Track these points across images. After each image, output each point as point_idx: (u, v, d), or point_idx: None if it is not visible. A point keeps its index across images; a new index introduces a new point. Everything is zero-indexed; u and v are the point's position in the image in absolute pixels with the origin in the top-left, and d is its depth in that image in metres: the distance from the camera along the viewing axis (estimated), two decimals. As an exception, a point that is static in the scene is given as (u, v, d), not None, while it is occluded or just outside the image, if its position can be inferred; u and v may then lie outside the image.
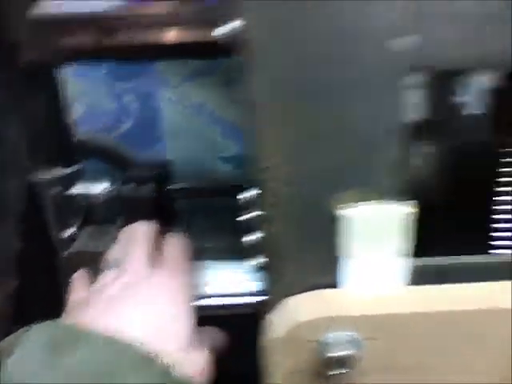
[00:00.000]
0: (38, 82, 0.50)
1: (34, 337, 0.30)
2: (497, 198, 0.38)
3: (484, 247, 0.39)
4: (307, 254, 0.32)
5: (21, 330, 0.32)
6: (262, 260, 0.33)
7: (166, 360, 0.32)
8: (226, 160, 0.76)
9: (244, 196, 0.33)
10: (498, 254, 0.38)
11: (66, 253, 0.50)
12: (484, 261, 0.35)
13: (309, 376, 0.32)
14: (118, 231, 0.46)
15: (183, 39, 0.42)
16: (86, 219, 0.53)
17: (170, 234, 0.45)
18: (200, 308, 0.39)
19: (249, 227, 0.34)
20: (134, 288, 0.37)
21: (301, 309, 0.31)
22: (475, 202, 0.39)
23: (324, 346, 0.30)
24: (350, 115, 0.29)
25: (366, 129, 0.30)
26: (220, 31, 0.29)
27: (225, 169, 0.76)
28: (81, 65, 0.66)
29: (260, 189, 0.31)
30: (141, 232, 0.43)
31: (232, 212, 0.35)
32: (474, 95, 0.38)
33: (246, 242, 0.34)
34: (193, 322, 0.38)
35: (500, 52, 0.29)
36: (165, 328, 0.35)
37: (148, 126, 0.75)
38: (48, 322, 0.32)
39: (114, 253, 0.43)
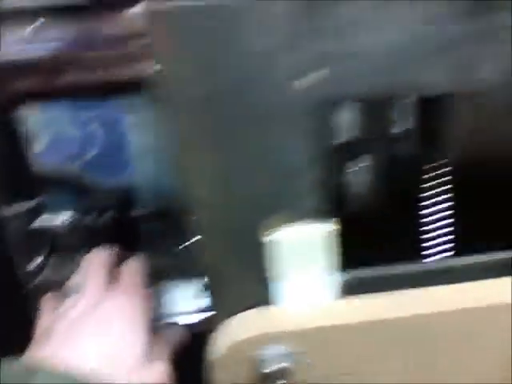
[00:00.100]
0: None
1: None
2: (426, 210, 0.41)
3: (417, 256, 0.41)
4: (244, 276, 0.34)
5: None
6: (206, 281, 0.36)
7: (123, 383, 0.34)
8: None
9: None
10: (429, 261, 0.41)
11: (32, 284, 0.53)
12: (416, 269, 0.38)
13: (250, 391, 0.34)
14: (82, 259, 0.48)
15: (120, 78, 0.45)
16: (51, 249, 0.55)
17: (130, 257, 0.47)
18: (155, 326, 0.42)
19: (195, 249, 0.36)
20: (91, 314, 0.40)
21: (239, 327, 0.34)
22: (407, 214, 0.42)
23: (261, 361, 0.33)
24: (268, 146, 0.32)
25: (284, 157, 0.32)
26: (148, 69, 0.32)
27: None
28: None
29: (192, 216, 0.33)
30: (98, 258, 0.46)
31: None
32: (400, 113, 0.40)
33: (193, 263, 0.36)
34: (149, 339, 0.40)
35: (407, 81, 0.32)
36: (120, 354, 0.38)
37: (114, 152, 0.77)
38: (2, 364, 0.34)
39: (74, 279, 0.45)
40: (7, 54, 0.46)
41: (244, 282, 0.35)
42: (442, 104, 0.38)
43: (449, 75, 0.32)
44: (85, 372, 0.34)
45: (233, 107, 0.31)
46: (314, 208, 0.33)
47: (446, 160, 0.40)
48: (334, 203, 0.35)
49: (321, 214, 0.33)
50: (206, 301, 0.46)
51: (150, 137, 0.76)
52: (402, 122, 0.41)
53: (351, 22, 0.30)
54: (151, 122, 0.75)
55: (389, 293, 0.36)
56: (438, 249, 0.40)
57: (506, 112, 0.39)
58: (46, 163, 0.64)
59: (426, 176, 0.40)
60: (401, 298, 0.36)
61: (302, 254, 0.33)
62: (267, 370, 0.32)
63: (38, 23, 0.46)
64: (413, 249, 0.41)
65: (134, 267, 0.46)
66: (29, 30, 0.46)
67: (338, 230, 0.33)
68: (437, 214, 0.40)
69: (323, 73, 0.31)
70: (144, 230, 0.61)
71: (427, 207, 0.41)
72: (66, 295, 0.45)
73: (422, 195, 0.41)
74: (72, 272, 0.49)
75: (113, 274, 0.45)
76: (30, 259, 0.53)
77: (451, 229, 0.41)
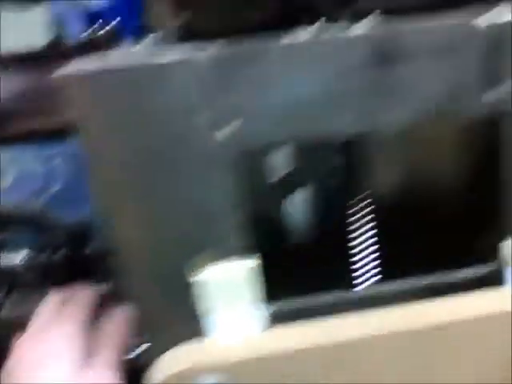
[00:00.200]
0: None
1: None
2: (354, 241, 0.43)
3: (347, 285, 0.44)
4: (175, 313, 0.37)
5: None
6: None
7: None
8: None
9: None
10: (360, 289, 0.43)
11: (-9, 322, 0.54)
12: (343, 297, 0.41)
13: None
14: (44, 296, 0.50)
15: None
16: (10, 287, 0.57)
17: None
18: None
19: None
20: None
21: (171, 361, 0.36)
22: (336, 244, 0.44)
23: (193, 393, 0.35)
24: (193, 193, 0.34)
25: (209, 202, 0.35)
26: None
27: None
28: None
29: (121, 258, 0.35)
30: (54, 298, 0.48)
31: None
32: (325, 151, 0.43)
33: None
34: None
35: (317, 129, 0.34)
36: None
37: (76, 186, 0.79)
38: None
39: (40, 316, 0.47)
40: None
41: (176, 318, 0.37)
42: (362, 143, 0.41)
43: (356, 122, 0.34)
44: None
45: (158, 160, 0.33)
46: (239, 246, 0.36)
47: (368, 192, 0.43)
48: (261, 239, 0.38)
49: (245, 251, 0.36)
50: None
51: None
52: (329, 159, 0.44)
53: (263, 75, 0.33)
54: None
55: (317, 320, 0.39)
56: (366, 276, 0.43)
57: (420, 148, 0.42)
58: (9, 201, 0.66)
59: (353, 208, 0.43)
60: (330, 325, 0.38)
61: (228, 290, 0.35)
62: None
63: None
64: (342, 278, 0.44)
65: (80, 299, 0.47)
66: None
67: (260, 265, 0.36)
68: (364, 243, 0.43)
69: (238, 124, 0.34)
70: (100, 267, 0.63)
71: (355, 238, 0.43)
72: None
73: (350, 227, 0.43)
74: (32, 310, 0.51)
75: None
76: (-11, 297, 0.55)
77: (378, 256, 0.43)
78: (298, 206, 0.44)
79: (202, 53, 0.32)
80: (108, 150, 0.33)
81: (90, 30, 0.54)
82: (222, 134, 0.33)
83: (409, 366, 0.38)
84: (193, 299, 0.36)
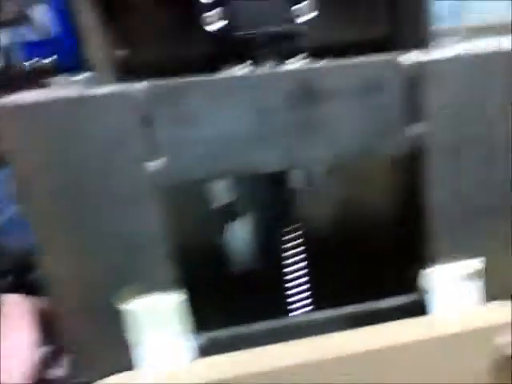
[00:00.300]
0: None
1: None
2: (287, 269, 0.45)
3: (283, 312, 0.45)
4: (105, 343, 0.37)
5: None
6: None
7: None
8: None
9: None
10: (294, 316, 0.44)
11: None
12: (275, 325, 0.41)
13: None
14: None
15: None
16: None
17: None
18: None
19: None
20: None
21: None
22: (270, 274, 0.45)
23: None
24: (121, 224, 0.35)
25: (137, 234, 0.35)
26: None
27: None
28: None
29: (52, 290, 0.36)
30: None
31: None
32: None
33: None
34: None
35: (244, 163, 0.36)
36: None
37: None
38: None
39: None
40: None
41: (106, 348, 0.37)
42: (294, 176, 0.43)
43: (280, 158, 0.36)
44: None
45: (87, 192, 0.34)
46: (168, 277, 0.36)
47: (301, 224, 0.44)
48: (196, 267, 0.38)
49: (174, 282, 0.36)
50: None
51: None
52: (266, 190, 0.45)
53: (193, 112, 0.34)
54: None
55: (248, 350, 0.39)
56: (299, 304, 0.44)
57: (351, 182, 0.44)
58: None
59: (286, 238, 0.44)
60: (259, 354, 0.39)
61: (156, 321, 0.36)
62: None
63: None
64: (278, 306, 0.45)
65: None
66: None
67: (187, 297, 0.36)
68: (297, 272, 0.44)
69: (165, 160, 0.34)
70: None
71: (288, 266, 0.44)
72: None
73: (283, 256, 0.45)
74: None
75: None
76: None
77: (310, 285, 0.44)
78: (237, 234, 0.45)
79: (136, 86, 0.33)
80: (38, 181, 0.34)
81: (30, 61, 0.54)
82: (152, 166, 0.34)
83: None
84: (123, 330, 0.36)
